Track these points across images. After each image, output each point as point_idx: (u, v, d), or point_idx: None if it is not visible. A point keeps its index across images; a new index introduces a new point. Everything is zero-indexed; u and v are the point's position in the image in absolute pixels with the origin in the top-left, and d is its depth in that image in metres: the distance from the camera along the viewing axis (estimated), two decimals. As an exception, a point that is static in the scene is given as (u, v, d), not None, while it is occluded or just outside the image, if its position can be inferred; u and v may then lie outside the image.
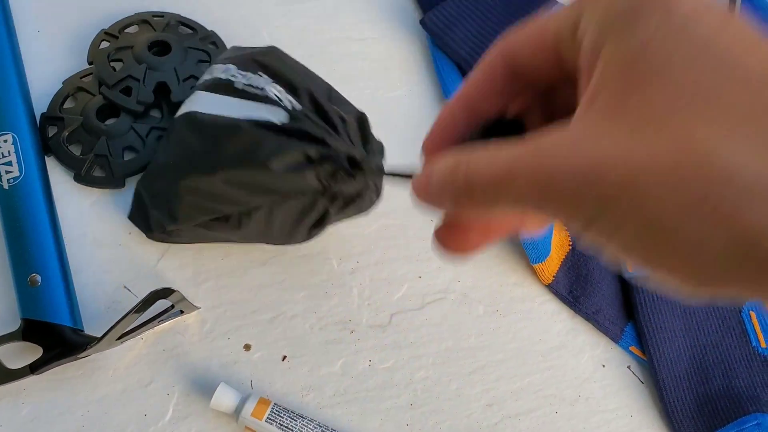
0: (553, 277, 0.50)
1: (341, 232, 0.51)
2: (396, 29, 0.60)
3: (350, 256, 0.51)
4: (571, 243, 0.51)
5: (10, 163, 0.49)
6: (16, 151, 0.50)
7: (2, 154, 0.49)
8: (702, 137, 0.17)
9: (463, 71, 0.57)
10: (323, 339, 0.48)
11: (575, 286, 0.50)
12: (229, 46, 0.56)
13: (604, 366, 0.50)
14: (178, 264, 0.50)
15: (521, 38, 0.24)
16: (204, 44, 0.55)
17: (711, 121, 0.18)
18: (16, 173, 0.49)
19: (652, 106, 0.18)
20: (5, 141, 0.50)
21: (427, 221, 0.52)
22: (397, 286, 0.51)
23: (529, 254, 0.50)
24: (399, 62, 0.59)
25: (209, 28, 0.57)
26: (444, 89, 0.57)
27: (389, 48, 0.59)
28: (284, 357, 0.48)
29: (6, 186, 0.49)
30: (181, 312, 0.47)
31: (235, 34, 0.57)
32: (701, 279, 0.18)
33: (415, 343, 0.49)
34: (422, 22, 0.58)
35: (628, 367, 0.50)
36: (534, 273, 0.51)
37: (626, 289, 0.51)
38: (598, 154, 0.19)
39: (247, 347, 0.48)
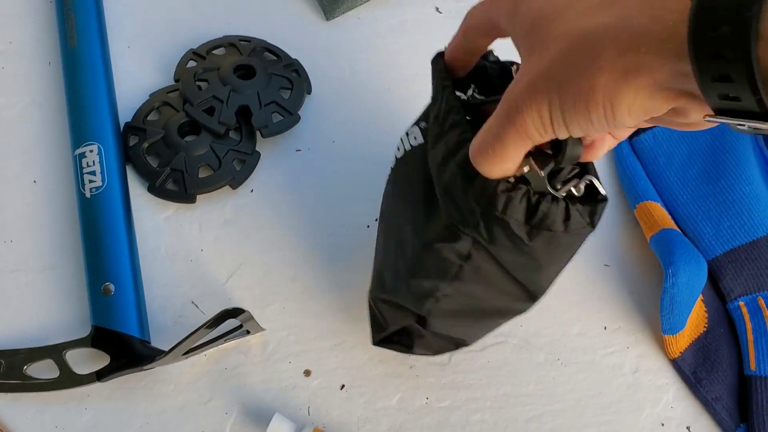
0: (681, 353, 0.50)
1: (406, 267, 0.52)
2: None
3: (414, 291, 0.51)
4: (706, 325, 0.50)
5: (93, 173, 0.51)
6: (101, 162, 0.51)
7: (87, 163, 0.51)
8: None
9: (630, 134, 0.56)
10: (382, 372, 0.49)
11: (700, 369, 0.49)
12: (311, 75, 0.57)
13: (663, 425, 0.49)
14: (247, 284, 0.50)
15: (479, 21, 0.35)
16: (287, 71, 0.56)
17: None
18: (99, 183, 0.51)
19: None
20: (91, 151, 0.52)
21: (492, 263, 0.52)
22: (459, 325, 0.51)
23: (663, 323, 0.49)
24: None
25: (293, 56, 0.58)
26: (615, 151, 0.56)
27: None
28: (342, 386, 0.48)
29: (88, 194, 0.50)
30: (248, 332, 0.48)
31: (317, 64, 0.58)
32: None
33: (474, 385, 0.49)
34: None
35: (687, 428, 0.49)
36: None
37: (745, 388, 0.49)
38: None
39: (307, 373, 0.48)
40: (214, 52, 0.57)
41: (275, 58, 0.58)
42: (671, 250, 0.49)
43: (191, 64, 0.57)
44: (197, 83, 0.55)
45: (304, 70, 0.57)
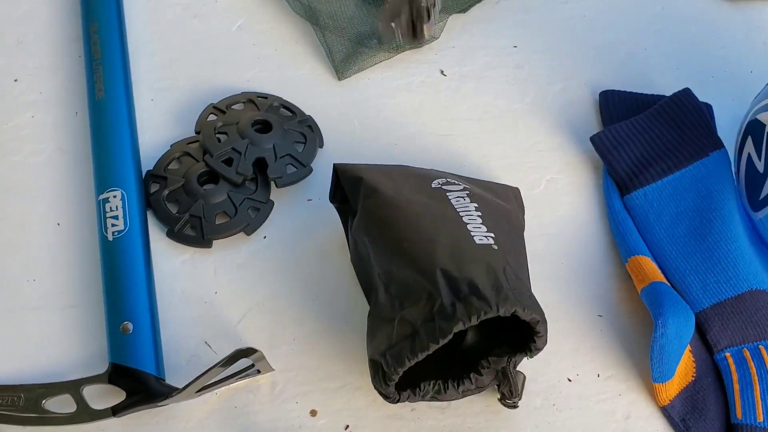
0: (670, 401, 0.52)
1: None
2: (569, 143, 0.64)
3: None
4: (694, 375, 0.53)
5: (116, 217, 0.54)
6: (123, 207, 0.54)
7: (111, 208, 0.54)
8: None
9: (622, 191, 0.59)
10: (385, 413, 0.51)
11: (689, 417, 0.51)
12: (323, 130, 0.61)
13: (654, 471, 0.51)
14: (257, 326, 0.53)
15: None
16: (301, 127, 0.60)
17: None
18: (121, 227, 0.53)
19: None
20: (114, 196, 0.55)
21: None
22: (459, 370, 0.53)
23: (653, 372, 0.51)
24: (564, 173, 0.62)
25: (307, 113, 0.62)
26: (608, 207, 0.59)
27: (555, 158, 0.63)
28: (347, 426, 0.50)
29: (110, 238, 0.53)
30: (258, 372, 0.50)
31: (329, 120, 0.62)
32: None
33: (473, 428, 0.51)
34: (592, 139, 0.61)
35: (678, 476, 0.51)
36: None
37: None
38: None
39: (313, 413, 0.50)
40: (234, 107, 0.61)
41: (290, 114, 0.61)
42: (661, 302, 0.51)
43: (212, 117, 0.60)
44: (217, 135, 0.58)
45: (316, 125, 0.61)
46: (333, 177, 0.53)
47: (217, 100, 0.61)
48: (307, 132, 0.60)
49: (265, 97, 0.62)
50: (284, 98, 0.62)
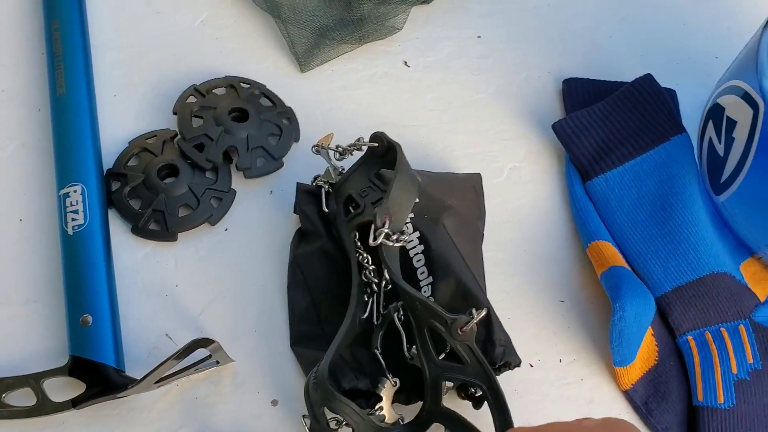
0: (633, 384, 0.52)
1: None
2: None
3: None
4: (657, 358, 0.53)
5: (76, 212, 0.54)
6: (84, 201, 0.54)
7: (71, 203, 0.54)
8: None
9: (584, 178, 0.60)
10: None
11: (651, 400, 0.52)
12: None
13: (616, 455, 0.51)
14: (219, 318, 0.53)
15: None
16: (279, 119, 0.60)
17: None
18: (81, 221, 0.53)
19: None
20: (75, 191, 0.55)
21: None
22: (421, 357, 0.53)
23: (613, 356, 0.51)
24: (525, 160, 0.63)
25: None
26: (570, 194, 0.60)
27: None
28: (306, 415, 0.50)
29: (70, 232, 0.53)
30: (217, 363, 0.50)
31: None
32: None
33: (434, 414, 0.51)
34: (554, 127, 0.61)
35: (640, 459, 0.51)
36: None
37: (693, 418, 0.51)
38: None
39: (275, 403, 0.50)
40: (215, 91, 0.61)
41: (270, 104, 0.61)
42: (619, 285, 0.51)
43: (191, 99, 0.60)
44: (193, 119, 0.59)
45: (295, 118, 0.61)
46: (296, 193, 0.56)
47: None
48: (284, 125, 0.60)
49: (247, 83, 0.62)
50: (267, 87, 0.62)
